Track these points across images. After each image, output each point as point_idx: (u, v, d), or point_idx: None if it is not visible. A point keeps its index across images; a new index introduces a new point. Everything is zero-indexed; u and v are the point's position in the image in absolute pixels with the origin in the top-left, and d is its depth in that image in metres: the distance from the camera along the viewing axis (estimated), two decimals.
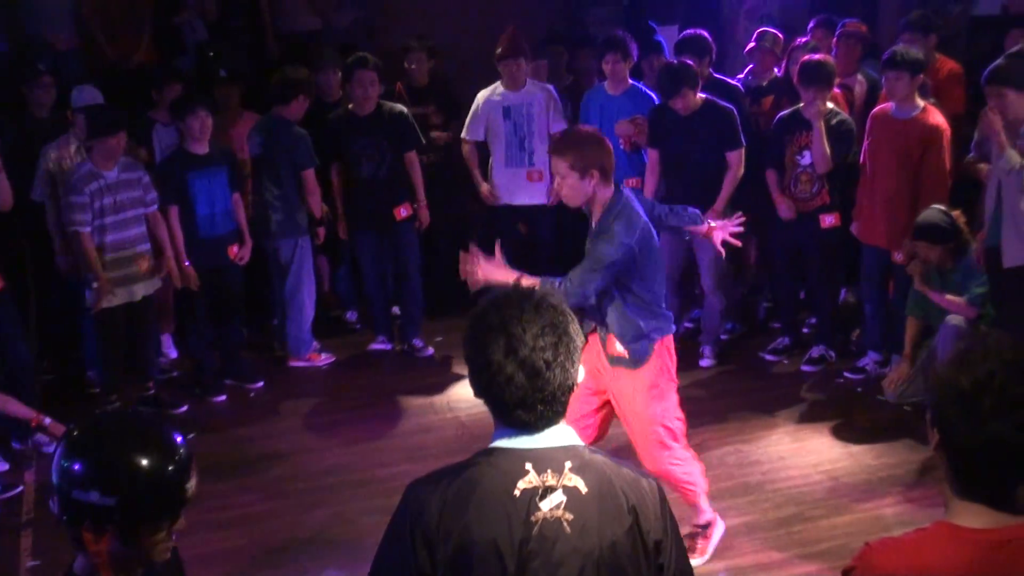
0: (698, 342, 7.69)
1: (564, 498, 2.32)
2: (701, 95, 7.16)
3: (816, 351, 7.46)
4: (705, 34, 7.83)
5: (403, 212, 7.62)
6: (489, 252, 4.63)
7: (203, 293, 7.15)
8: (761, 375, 7.43)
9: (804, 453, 6.23)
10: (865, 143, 7.00)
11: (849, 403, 6.88)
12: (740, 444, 6.37)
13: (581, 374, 2.45)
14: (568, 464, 2.36)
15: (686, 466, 5.02)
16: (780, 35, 8.08)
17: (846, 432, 6.46)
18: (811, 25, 8.33)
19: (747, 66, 8.34)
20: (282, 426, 6.94)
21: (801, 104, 7.07)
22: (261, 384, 7.51)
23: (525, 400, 2.34)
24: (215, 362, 7.47)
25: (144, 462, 2.28)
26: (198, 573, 3.27)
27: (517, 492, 2.31)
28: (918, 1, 9.14)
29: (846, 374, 7.22)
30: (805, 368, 7.39)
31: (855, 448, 6.25)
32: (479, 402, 2.46)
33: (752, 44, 8.14)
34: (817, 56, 7.11)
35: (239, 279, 7.40)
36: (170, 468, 2.30)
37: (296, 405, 7.25)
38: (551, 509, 2.31)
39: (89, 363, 7.39)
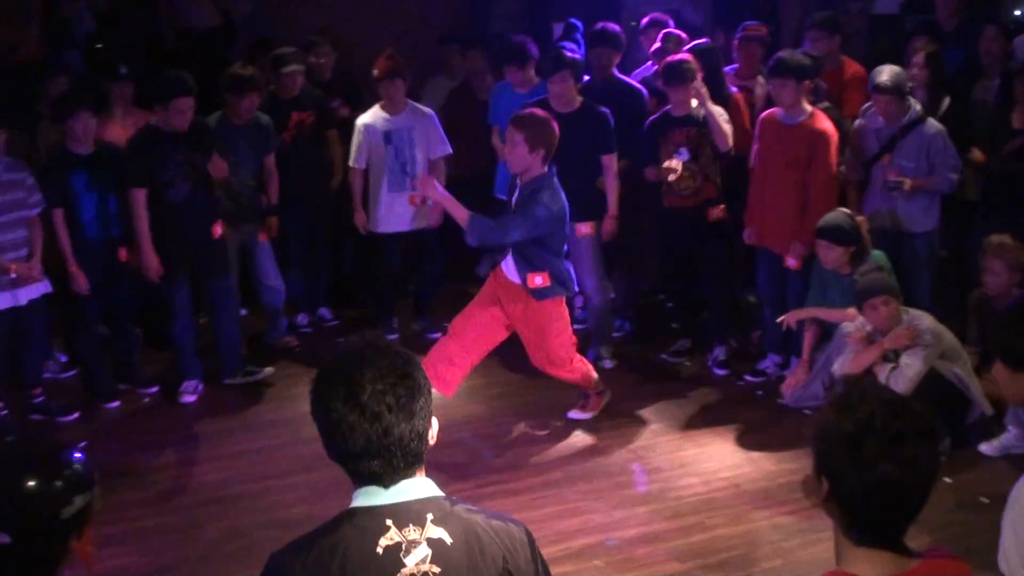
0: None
1: (429, 551, 2.25)
2: (579, 97, 7.13)
3: (719, 352, 7.43)
4: (618, 29, 7.79)
5: (218, 230, 7.18)
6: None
7: (92, 296, 6.91)
8: (661, 378, 7.40)
9: (705, 459, 6.22)
10: (754, 147, 7.02)
11: (750, 407, 6.89)
12: (641, 451, 6.35)
13: (435, 426, 2.37)
14: (430, 516, 2.29)
15: (581, 367, 6.53)
16: (684, 36, 8.05)
17: (747, 437, 6.46)
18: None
19: (646, 64, 8.33)
20: (176, 434, 6.74)
21: (669, 106, 7.06)
22: (156, 389, 7.29)
23: (370, 448, 2.25)
24: (107, 366, 7.24)
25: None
26: None
27: (380, 550, 2.23)
28: (818, 2, 9.21)
29: (746, 377, 7.23)
30: (717, 372, 7.36)
31: (756, 454, 6.25)
32: None
33: (657, 45, 8.08)
34: (677, 56, 7.09)
35: (129, 281, 7.15)
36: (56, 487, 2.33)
37: (190, 411, 7.05)
38: (417, 564, 2.24)
39: None
